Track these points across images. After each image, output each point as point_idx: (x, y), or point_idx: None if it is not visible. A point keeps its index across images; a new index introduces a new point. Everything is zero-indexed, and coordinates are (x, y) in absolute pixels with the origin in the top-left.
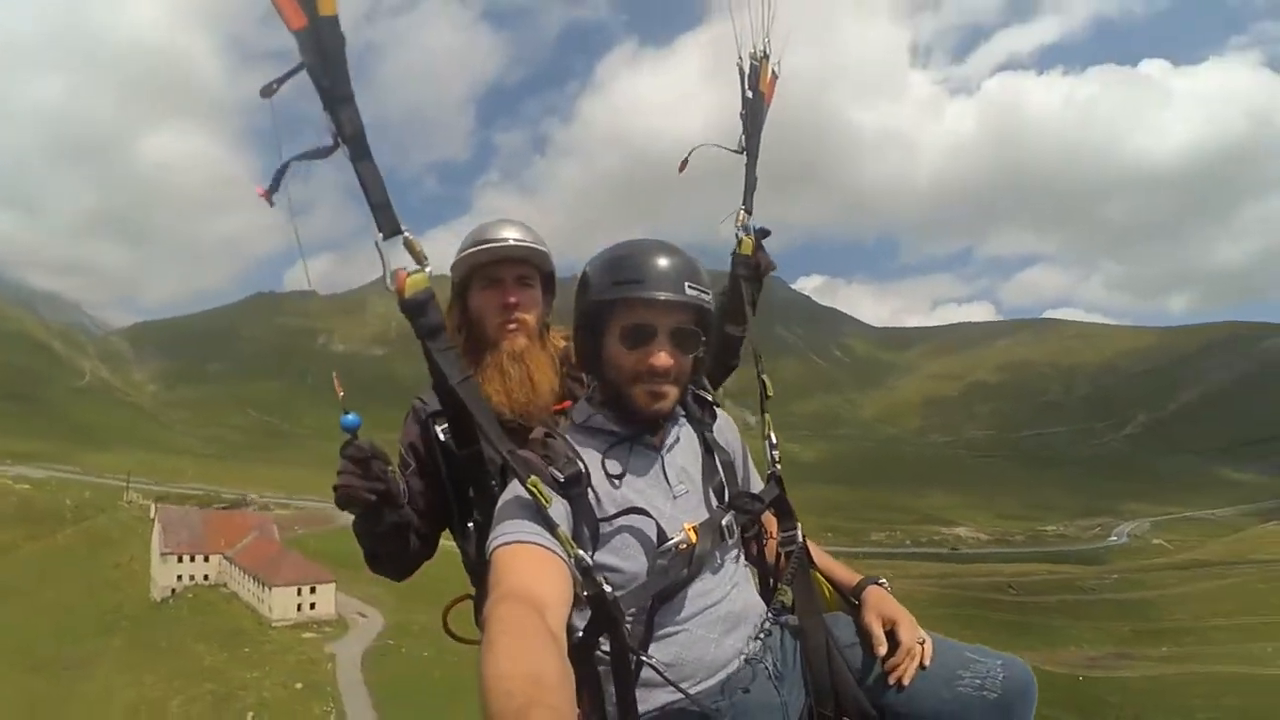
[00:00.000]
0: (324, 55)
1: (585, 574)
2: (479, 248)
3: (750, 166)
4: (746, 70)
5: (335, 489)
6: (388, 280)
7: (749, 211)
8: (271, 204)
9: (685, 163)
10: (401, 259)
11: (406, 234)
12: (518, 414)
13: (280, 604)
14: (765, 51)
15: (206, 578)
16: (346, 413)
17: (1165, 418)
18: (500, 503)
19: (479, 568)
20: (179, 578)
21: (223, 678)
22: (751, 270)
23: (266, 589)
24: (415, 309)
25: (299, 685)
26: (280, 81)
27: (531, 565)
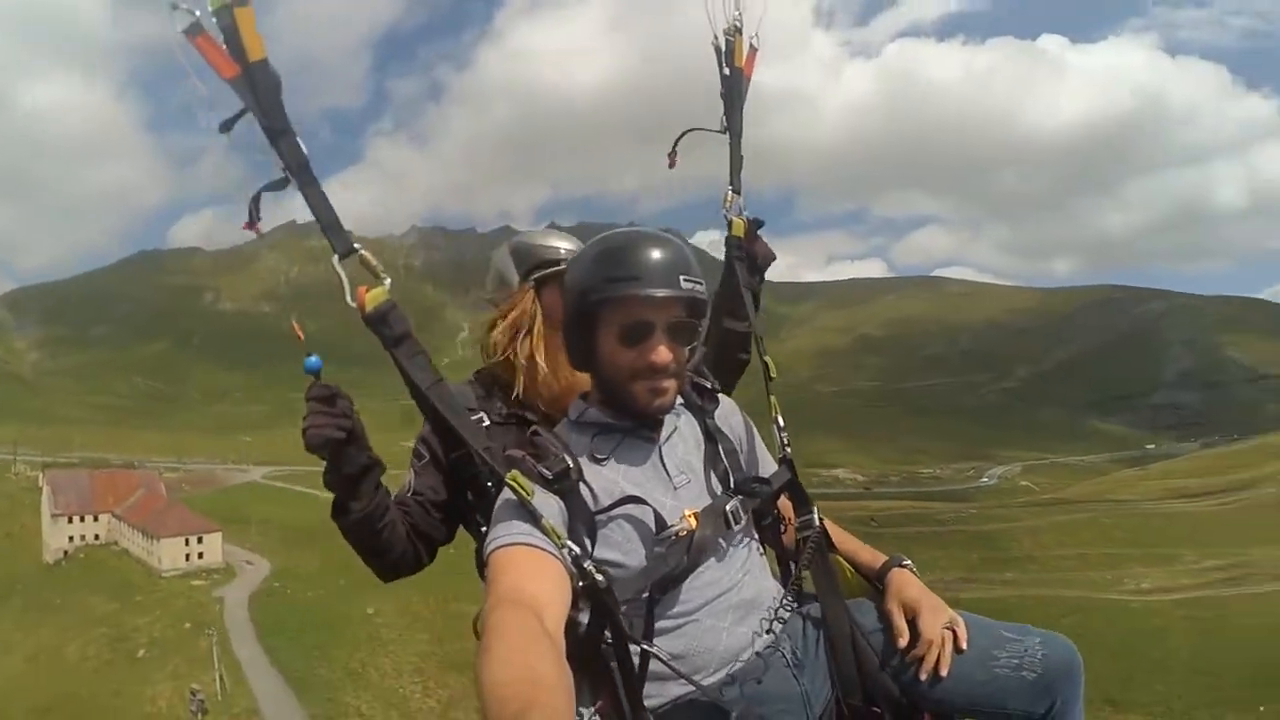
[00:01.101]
0: (259, 98)
1: (577, 564)
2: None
3: (735, 145)
4: (722, 47)
5: (304, 432)
6: (349, 298)
7: (737, 191)
8: (260, 234)
9: (674, 154)
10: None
11: (361, 252)
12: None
13: (169, 554)
14: (738, 26)
15: (97, 537)
16: (309, 355)
17: (1042, 372)
18: (496, 506)
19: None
20: (70, 539)
21: (116, 623)
22: (749, 260)
23: (155, 541)
24: (379, 320)
25: (188, 625)
26: (231, 122)
27: (526, 566)
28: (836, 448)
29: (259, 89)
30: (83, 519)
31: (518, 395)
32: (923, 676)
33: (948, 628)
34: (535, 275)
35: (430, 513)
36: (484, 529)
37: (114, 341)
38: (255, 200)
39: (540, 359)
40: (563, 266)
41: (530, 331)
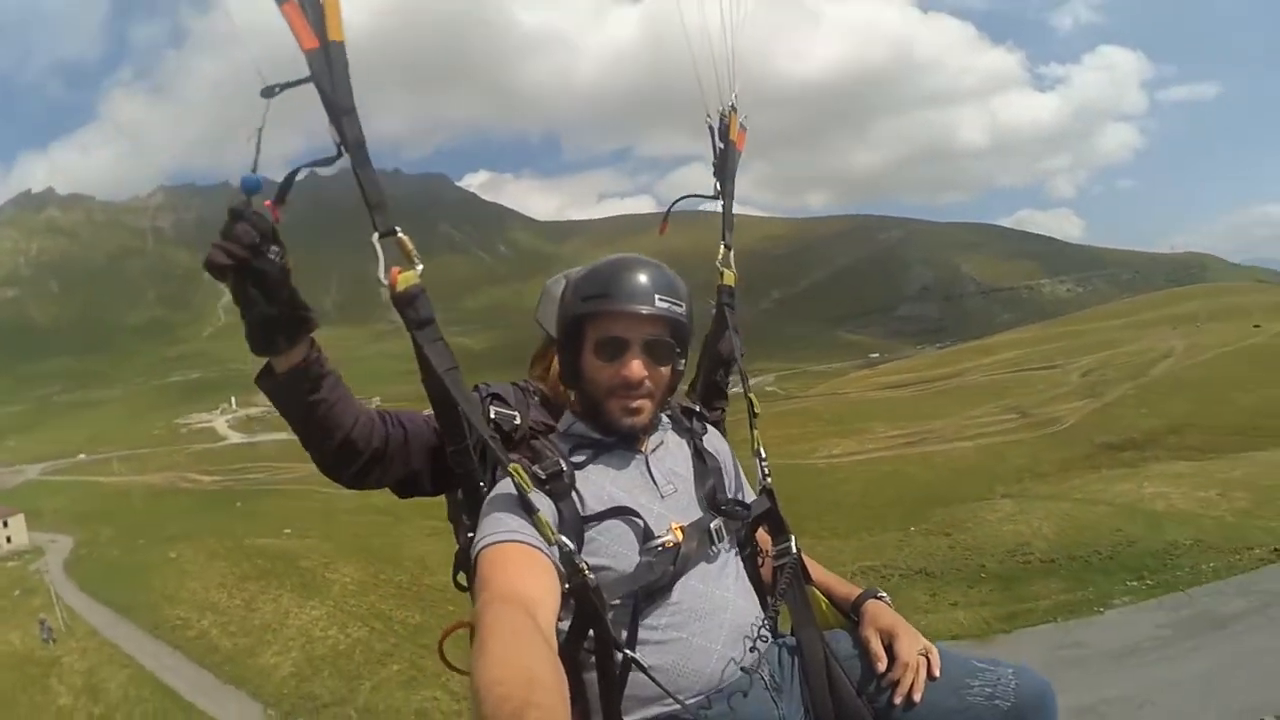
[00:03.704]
0: (332, 74)
1: (567, 560)
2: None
3: (727, 207)
4: (716, 125)
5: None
6: (382, 276)
7: (729, 247)
8: (279, 219)
9: (665, 223)
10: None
11: (400, 235)
12: None
13: None
14: (733, 105)
15: None
16: (253, 171)
17: (796, 294)
18: (486, 502)
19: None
20: None
21: None
22: (715, 355)
23: None
24: (406, 301)
25: (17, 592)
26: (284, 87)
27: (518, 563)
28: None
29: (334, 66)
30: None
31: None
32: (898, 700)
33: (922, 654)
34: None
35: (431, 442)
36: (470, 534)
37: None
38: (291, 176)
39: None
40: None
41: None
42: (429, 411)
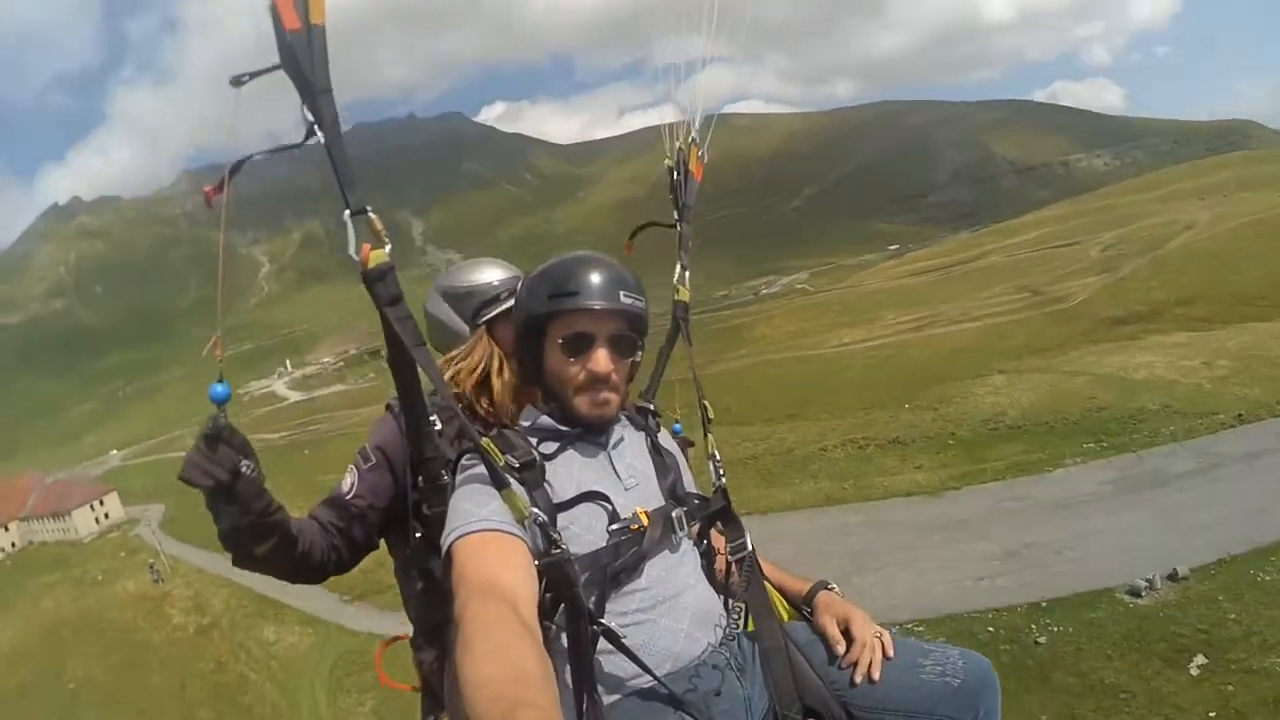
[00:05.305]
0: (312, 55)
1: (542, 530)
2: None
3: (684, 229)
4: (676, 157)
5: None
6: (353, 252)
7: (685, 267)
8: (210, 205)
9: (630, 245)
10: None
11: (371, 214)
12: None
13: (83, 523)
14: (694, 139)
15: (13, 545)
16: (219, 381)
17: (828, 188)
18: (455, 493)
19: (422, 579)
20: None
21: (68, 576)
22: (684, 316)
23: (67, 517)
24: (376, 277)
25: (123, 553)
26: (254, 75)
27: (491, 553)
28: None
29: (314, 47)
30: None
31: (471, 408)
32: (858, 679)
33: (876, 636)
34: (483, 318)
35: (366, 517)
36: (419, 534)
37: None
38: (241, 162)
39: (509, 398)
40: (505, 303)
41: (500, 372)
42: (348, 488)
